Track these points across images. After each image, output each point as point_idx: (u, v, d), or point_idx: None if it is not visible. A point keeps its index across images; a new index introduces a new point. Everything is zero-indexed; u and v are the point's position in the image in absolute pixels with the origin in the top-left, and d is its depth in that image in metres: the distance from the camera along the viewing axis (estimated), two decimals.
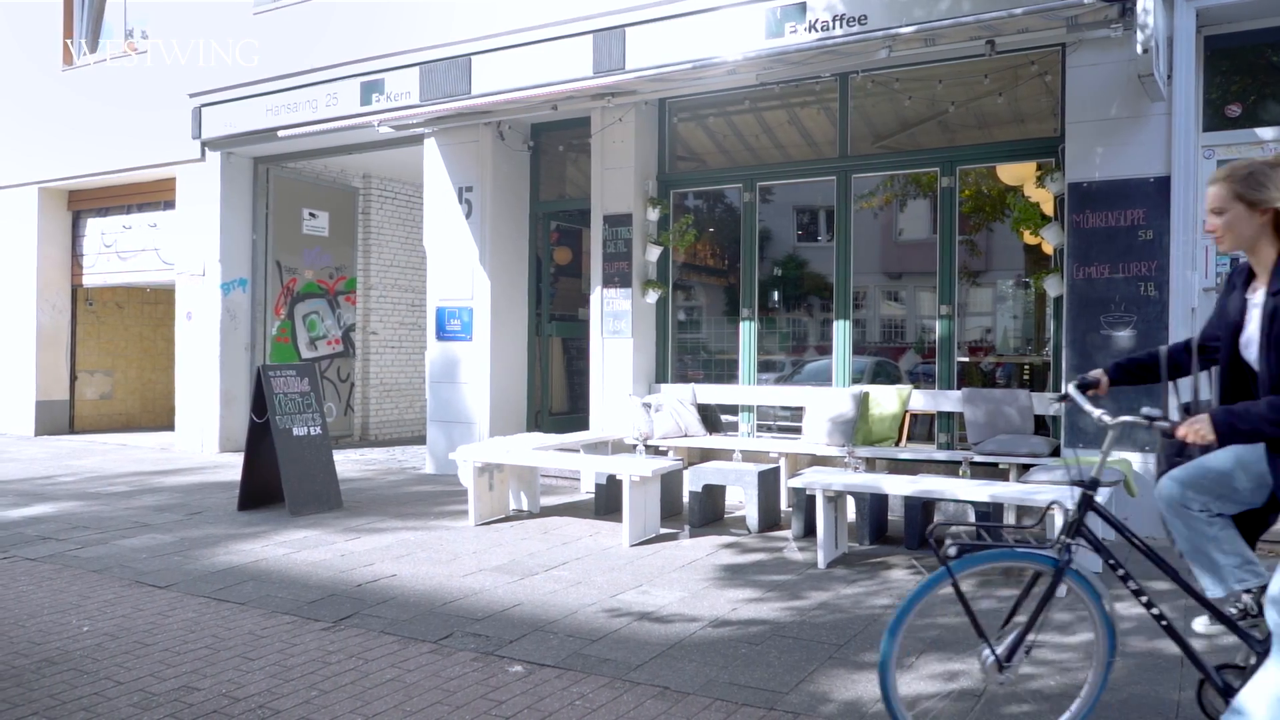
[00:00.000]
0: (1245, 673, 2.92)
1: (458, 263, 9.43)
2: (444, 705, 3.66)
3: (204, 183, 11.38)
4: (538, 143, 9.76)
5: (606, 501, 7.40)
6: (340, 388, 12.61)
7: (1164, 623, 2.99)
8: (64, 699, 3.71)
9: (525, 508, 7.52)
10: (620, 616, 4.79)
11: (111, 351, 14.22)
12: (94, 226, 13.35)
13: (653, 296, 8.63)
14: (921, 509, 6.23)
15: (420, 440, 12.82)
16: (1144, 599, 3.00)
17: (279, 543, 6.46)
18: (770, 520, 6.88)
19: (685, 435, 8.26)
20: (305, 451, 7.59)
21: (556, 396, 10.25)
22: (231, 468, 10.05)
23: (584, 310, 10.79)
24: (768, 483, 6.85)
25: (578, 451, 7.90)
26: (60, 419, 13.41)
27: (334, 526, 6.99)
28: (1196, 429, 2.72)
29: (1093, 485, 3.06)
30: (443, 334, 9.49)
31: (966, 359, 7.88)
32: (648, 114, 8.78)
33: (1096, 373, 3.28)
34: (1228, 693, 2.91)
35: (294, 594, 5.21)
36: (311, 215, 12.24)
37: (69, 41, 12.96)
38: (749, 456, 7.93)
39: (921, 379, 8.10)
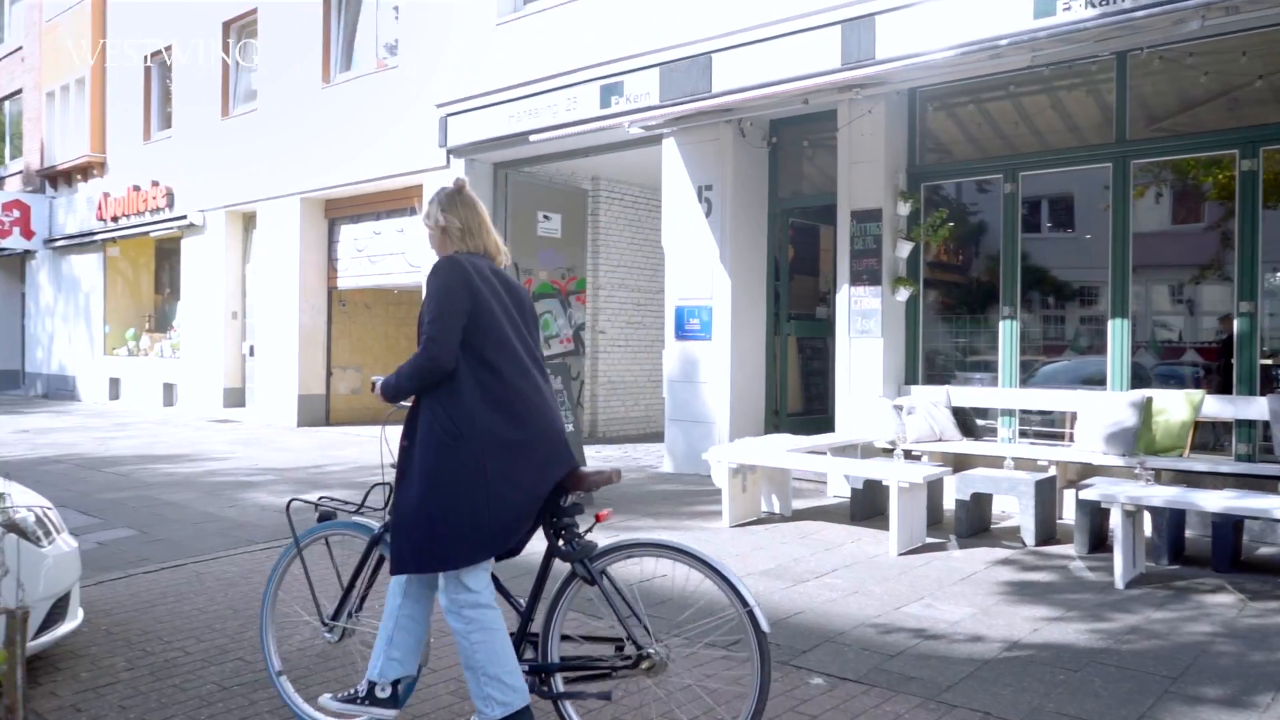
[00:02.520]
0: None
1: (697, 262, 9.42)
2: None
3: None
4: (778, 139, 9.60)
5: (863, 506, 7.15)
6: (571, 385, 12.91)
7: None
8: None
9: (777, 510, 7.39)
10: (910, 630, 4.56)
11: (360, 349, 15.21)
12: (347, 233, 14.31)
13: (903, 294, 8.29)
14: (1232, 528, 5.62)
15: (647, 438, 12.96)
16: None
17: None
18: (1046, 533, 6.43)
19: (939, 440, 7.87)
20: None
21: (792, 396, 10.06)
22: None
23: (821, 309, 10.56)
24: (1044, 493, 6.40)
25: (825, 454, 7.69)
26: (318, 411, 14.47)
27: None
28: (374, 382, 3.27)
29: None
30: (681, 333, 9.51)
31: (1269, 361, 7.09)
32: (898, 104, 8.44)
33: None
34: None
35: None
36: (545, 217, 12.61)
37: (327, 62, 13.94)
38: (1016, 464, 7.46)
39: (1204, 381, 7.37)
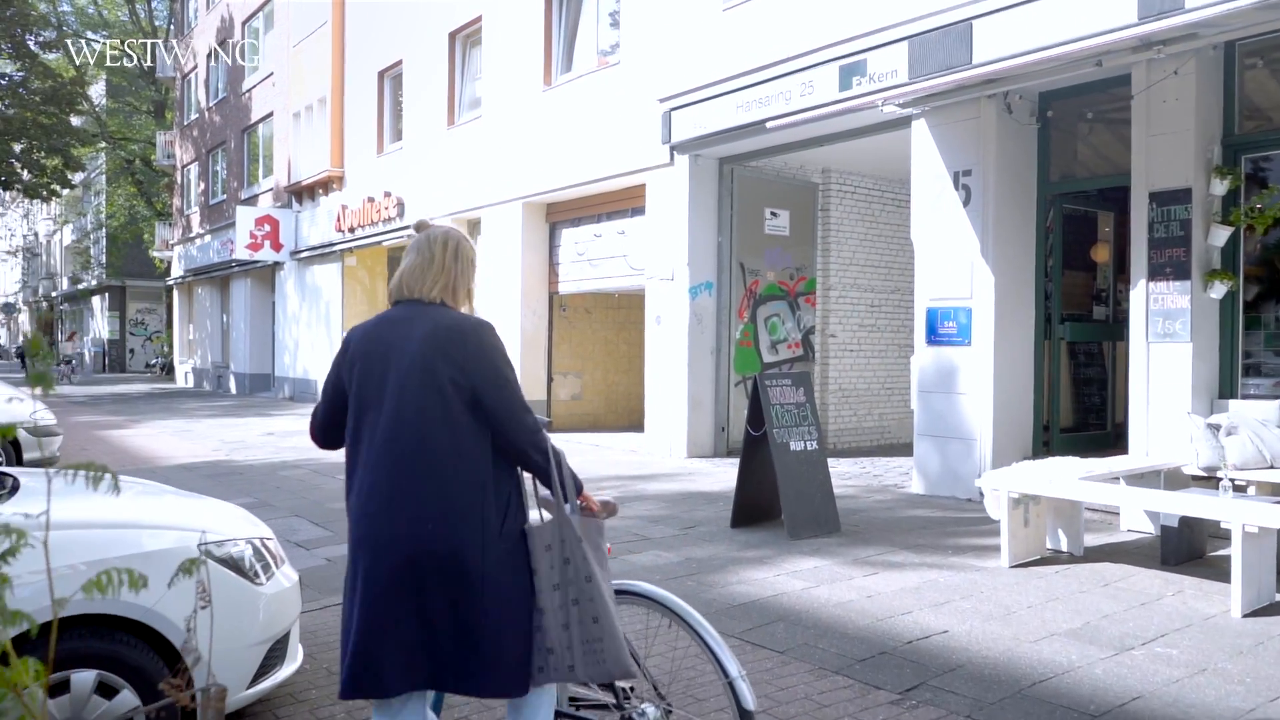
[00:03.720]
0: None
1: (952, 257, 8.34)
2: None
3: (672, 187, 11.38)
4: (1052, 112, 8.35)
5: (1177, 549, 5.90)
6: (813, 396, 12.05)
7: None
8: None
9: (1064, 548, 6.25)
10: None
11: (580, 355, 14.98)
12: (568, 236, 14.08)
13: (1218, 290, 6.88)
14: None
15: (883, 451, 11.90)
16: None
17: (790, 573, 5.83)
18: None
19: (1270, 467, 6.44)
20: (802, 468, 6.96)
21: (1064, 410, 8.76)
22: (703, 475, 9.83)
23: (1099, 308, 9.20)
24: None
25: (1119, 482, 6.46)
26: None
27: (842, 556, 6.24)
28: None
29: None
30: (934, 338, 8.44)
31: None
32: (1210, 62, 7.04)
33: None
34: None
35: (837, 646, 4.47)
36: (773, 214, 11.81)
37: (548, 64, 13.75)
38: None
39: None
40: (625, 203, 12.71)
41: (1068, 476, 6.03)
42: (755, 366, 11.46)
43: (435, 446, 2.48)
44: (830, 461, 10.70)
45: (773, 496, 6.99)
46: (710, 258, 11.36)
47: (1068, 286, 8.93)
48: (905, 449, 10.21)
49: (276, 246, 21.99)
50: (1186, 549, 5.93)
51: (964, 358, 8.22)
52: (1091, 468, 6.41)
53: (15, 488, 3.75)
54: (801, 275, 12.13)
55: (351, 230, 19.09)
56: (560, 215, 14.15)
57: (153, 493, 4.27)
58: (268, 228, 21.89)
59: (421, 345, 2.53)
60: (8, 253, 61.65)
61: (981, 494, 6.51)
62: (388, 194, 17.78)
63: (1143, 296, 7.14)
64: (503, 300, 14.53)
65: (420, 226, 2.80)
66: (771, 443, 6.86)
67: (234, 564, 3.51)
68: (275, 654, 3.67)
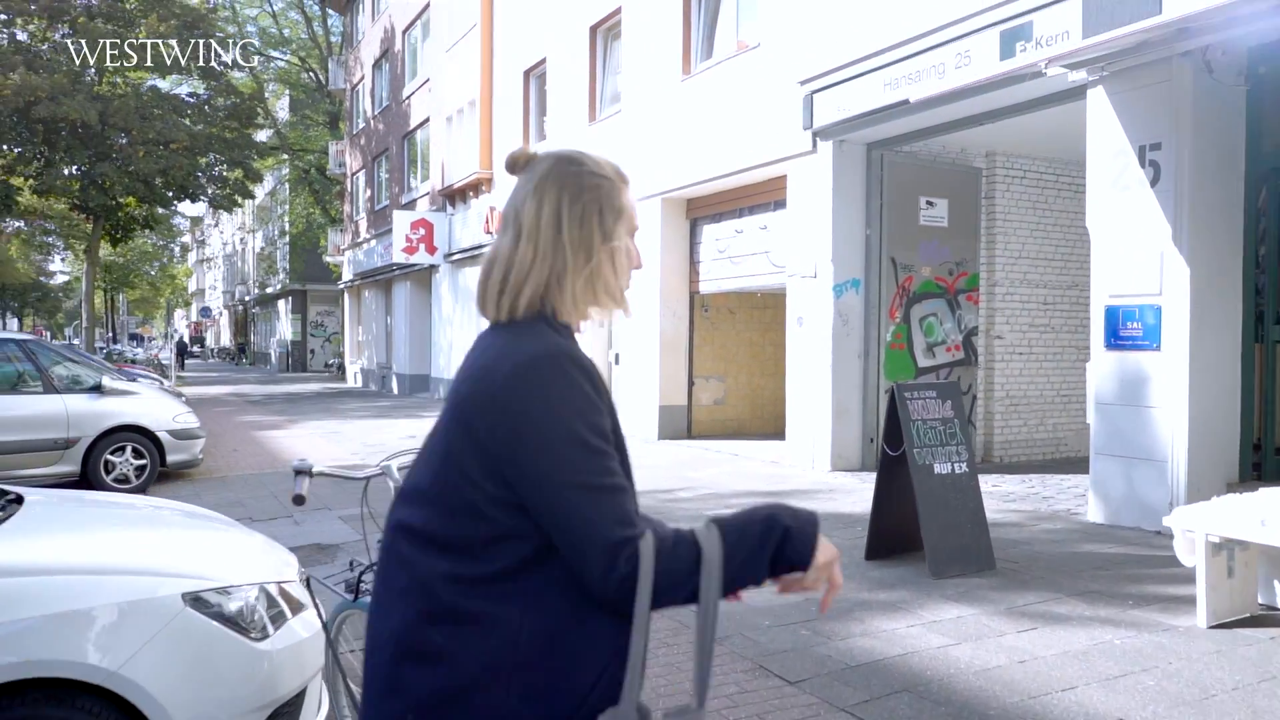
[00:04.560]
0: None
1: (1137, 247, 7.10)
2: None
3: (815, 177, 10.47)
4: (1260, 72, 6.98)
5: None
6: (962, 404, 10.88)
7: None
8: None
9: (1279, 605, 5.05)
10: None
11: (723, 358, 14.23)
12: (708, 233, 13.36)
13: None
14: None
15: (1056, 466, 10.58)
16: None
17: (927, 624, 4.92)
18: None
19: None
20: (948, 494, 5.98)
21: (1279, 427, 7.36)
22: (845, 493, 8.90)
23: None
24: None
25: None
26: (679, 424, 13.68)
27: (994, 604, 5.26)
28: None
29: None
30: (1116, 341, 7.22)
31: None
32: None
33: None
34: None
35: None
36: (929, 204, 10.69)
37: (687, 52, 13.08)
38: None
39: None
40: (766, 195, 11.89)
41: None
42: (909, 371, 10.40)
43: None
44: (994, 479, 9.56)
45: (915, 524, 6.05)
46: (857, 252, 10.38)
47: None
48: (1083, 464, 8.94)
49: (431, 250, 22.30)
50: None
51: (1153, 364, 6.97)
52: None
53: (17, 509, 3.41)
54: (962, 270, 10.93)
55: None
56: (700, 211, 13.45)
57: (175, 524, 3.85)
58: (422, 231, 22.22)
59: (451, 404, 1.57)
60: (205, 260, 66.56)
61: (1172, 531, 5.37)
62: None
63: None
64: (641, 301, 13.97)
65: (517, 162, 1.63)
66: (911, 465, 5.92)
67: (227, 618, 3.00)
68: (283, 718, 3.15)
